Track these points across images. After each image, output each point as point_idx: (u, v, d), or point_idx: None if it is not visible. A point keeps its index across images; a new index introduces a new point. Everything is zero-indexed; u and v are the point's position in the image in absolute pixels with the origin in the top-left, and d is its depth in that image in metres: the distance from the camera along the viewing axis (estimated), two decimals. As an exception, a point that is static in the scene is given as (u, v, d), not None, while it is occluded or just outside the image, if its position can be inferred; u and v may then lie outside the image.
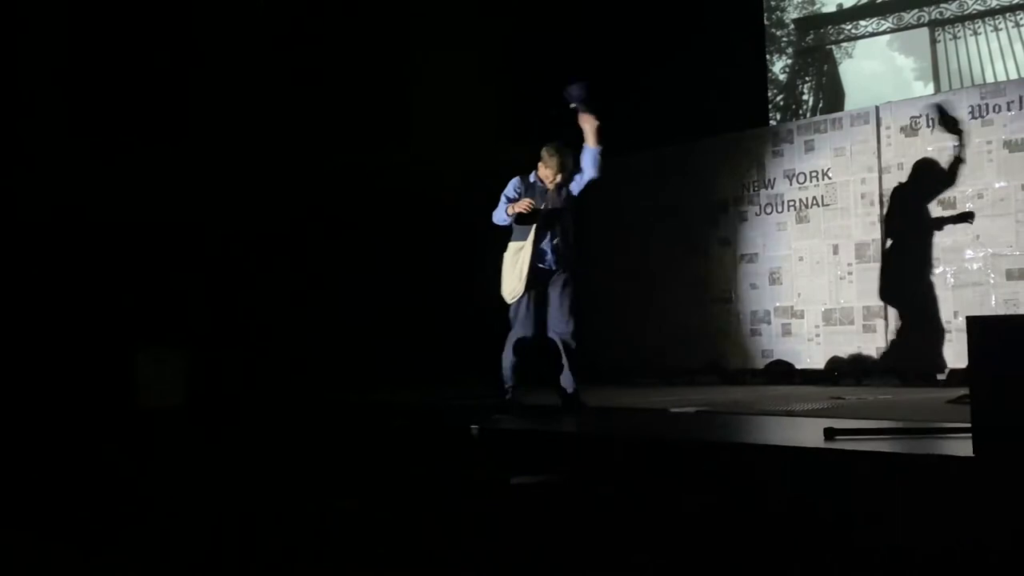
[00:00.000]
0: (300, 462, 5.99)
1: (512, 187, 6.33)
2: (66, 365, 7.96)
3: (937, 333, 7.51)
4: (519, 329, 6.19)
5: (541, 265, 6.17)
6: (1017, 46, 8.71)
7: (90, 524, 4.99)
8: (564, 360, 6.22)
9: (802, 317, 8.37)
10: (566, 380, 6.26)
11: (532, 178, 6.31)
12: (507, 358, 6.22)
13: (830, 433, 4.27)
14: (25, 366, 7.85)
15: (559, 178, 6.20)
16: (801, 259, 8.39)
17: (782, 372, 8.42)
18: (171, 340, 8.18)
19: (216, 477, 5.93)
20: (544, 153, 6.24)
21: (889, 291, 7.78)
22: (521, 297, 6.14)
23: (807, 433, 4.65)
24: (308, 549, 4.27)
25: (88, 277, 8.34)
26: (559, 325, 6.19)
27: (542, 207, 6.16)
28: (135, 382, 7.82)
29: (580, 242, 6.44)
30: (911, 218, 7.68)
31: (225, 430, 7.07)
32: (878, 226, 7.92)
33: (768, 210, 8.62)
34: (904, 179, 7.74)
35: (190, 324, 8.62)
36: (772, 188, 8.61)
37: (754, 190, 8.72)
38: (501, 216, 6.25)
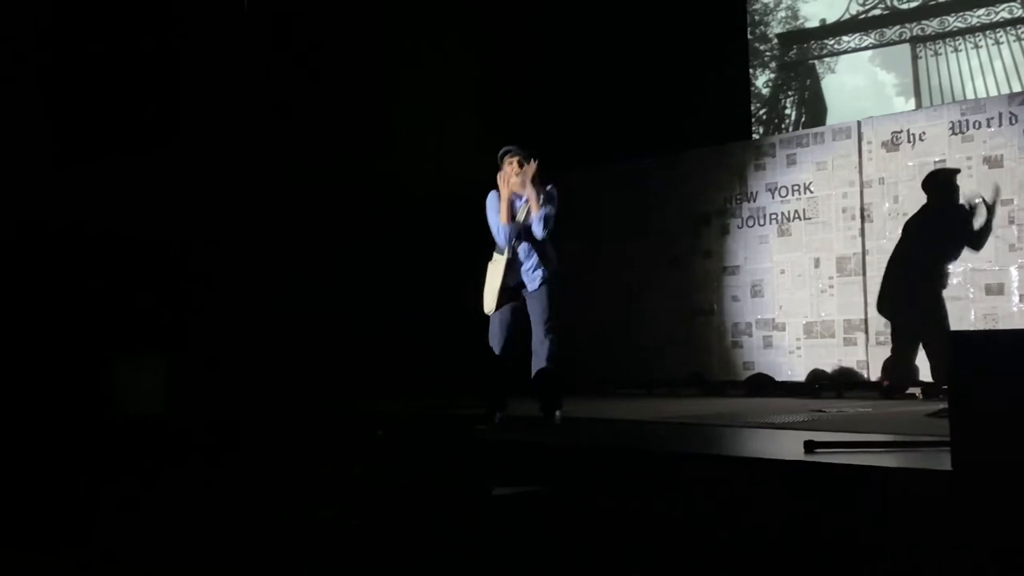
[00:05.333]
0: (280, 471, 5.96)
1: (491, 203, 6.25)
2: (44, 373, 7.90)
3: (916, 347, 7.56)
4: (493, 343, 6.18)
5: (520, 279, 6.14)
6: (997, 63, 8.79)
7: (65, 532, 4.96)
8: (541, 375, 6.15)
9: (783, 330, 8.40)
10: (543, 394, 6.22)
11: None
12: (490, 371, 6.23)
13: (810, 446, 4.28)
14: (2, 374, 7.79)
15: (524, 179, 6.07)
16: (783, 272, 8.43)
17: (763, 384, 8.44)
18: (151, 347, 8.14)
19: (195, 485, 5.90)
20: (501, 162, 6.16)
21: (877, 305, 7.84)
22: (496, 312, 6.13)
23: (787, 446, 4.67)
24: (286, 558, 4.25)
25: (67, 284, 8.28)
26: (535, 338, 6.15)
27: (518, 221, 6.14)
28: (114, 390, 7.77)
29: (559, 253, 6.36)
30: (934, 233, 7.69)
31: (205, 438, 7.03)
32: (859, 240, 7.97)
33: (750, 223, 8.65)
34: (887, 193, 7.80)
35: (170, 331, 8.57)
36: (754, 201, 8.64)
37: (736, 203, 8.75)
38: (499, 235, 6.18)
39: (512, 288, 6.13)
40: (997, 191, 7.19)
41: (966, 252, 7.35)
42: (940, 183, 7.50)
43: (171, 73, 9.11)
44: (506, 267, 6.09)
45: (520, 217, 6.16)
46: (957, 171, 7.45)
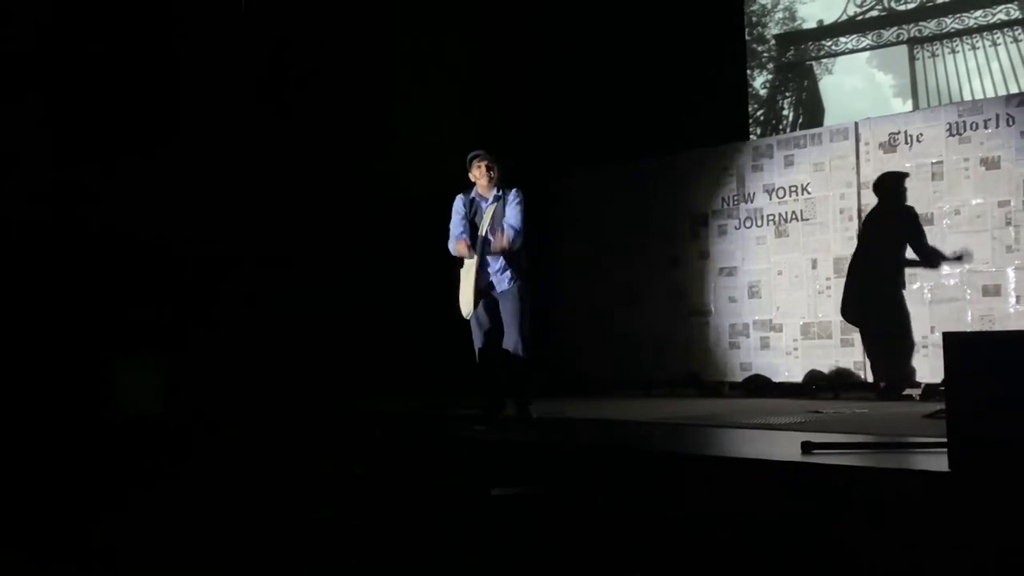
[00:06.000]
0: (280, 471, 5.98)
1: (457, 207, 6.41)
2: (45, 373, 7.90)
3: (914, 348, 7.59)
4: (477, 343, 6.30)
5: (490, 280, 6.26)
6: (994, 64, 8.82)
7: (65, 532, 4.97)
8: (513, 374, 6.27)
9: (781, 331, 8.42)
10: (515, 393, 6.32)
11: (472, 194, 6.41)
12: (480, 372, 6.33)
13: (807, 447, 4.30)
14: (2, 374, 7.79)
15: (493, 184, 6.30)
16: (780, 273, 8.45)
17: (760, 385, 8.46)
18: (150, 347, 8.15)
19: (195, 485, 5.91)
20: (470, 165, 6.35)
21: (863, 306, 7.89)
22: (474, 312, 6.25)
23: (785, 447, 4.68)
24: (286, 558, 4.26)
25: (67, 284, 8.28)
26: (509, 340, 6.24)
27: (485, 226, 6.26)
28: (114, 390, 7.78)
29: (533, 252, 6.51)
30: (888, 234, 7.78)
31: (205, 438, 7.05)
32: (856, 241, 7.99)
33: (748, 224, 8.68)
34: (881, 195, 7.83)
35: (169, 331, 8.58)
36: (752, 202, 8.67)
37: (734, 204, 8.77)
38: (452, 248, 6.37)
39: (484, 289, 6.25)
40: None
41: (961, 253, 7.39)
42: (890, 186, 7.71)
43: (171, 73, 9.11)
44: (477, 269, 6.23)
45: (487, 220, 6.28)
46: (906, 174, 7.63)
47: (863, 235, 7.90)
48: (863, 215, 7.95)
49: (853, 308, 7.91)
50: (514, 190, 6.32)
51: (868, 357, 7.84)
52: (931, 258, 7.51)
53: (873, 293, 7.81)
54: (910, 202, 7.67)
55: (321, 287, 9.36)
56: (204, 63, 9.32)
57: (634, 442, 5.36)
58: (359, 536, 4.60)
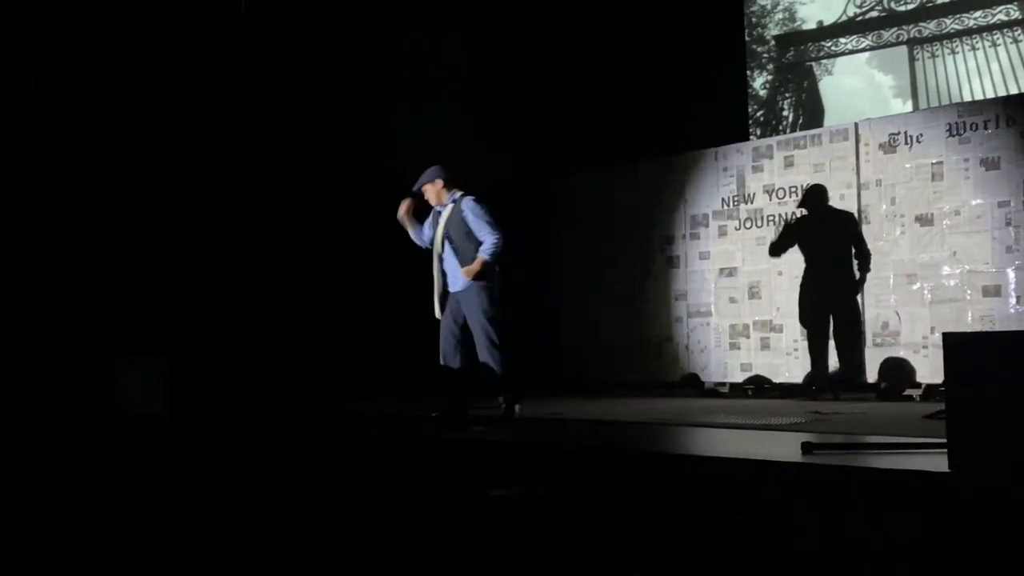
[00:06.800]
0: (280, 470, 5.98)
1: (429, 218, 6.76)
2: (44, 372, 7.90)
3: (914, 348, 7.61)
4: (441, 343, 6.57)
5: (448, 283, 6.53)
6: (994, 65, 8.82)
7: (66, 532, 4.97)
8: (490, 373, 6.45)
9: (781, 331, 8.42)
10: (499, 391, 6.51)
11: (436, 207, 6.73)
12: (439, 371, 6.61)
13: (808, 447, 4.30)
14: (2, 374, 7.79)
15: (436, 196, 6.64)
16: (780, 273, 8.45)
17: (760, 386, 8.47)
18: (150, 347, 8.15)
19: (195, 485, 5.91)
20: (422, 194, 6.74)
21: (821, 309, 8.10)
22: (442, 314, 6.54)
23: (785, 447, 4.68)
24: (286, 558, 4.26)
25: (67, 284, 8.28)
26: (478, 340, 6.44)
27: (440, 232, 6.54)
28: (114, 390, 7.78)
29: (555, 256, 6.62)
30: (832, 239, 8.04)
31: (205, 438, 7.05)
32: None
33: (748, 224, 8.68)
34: (884, 195, 7.84)
35: (169, 331, 8.58)
36: (752, 203, 8.67)
37: (734, 204, 8.78)
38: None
39: (445, 292, 6.56)
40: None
41: (963, 254, 7.39)
42: (819, 196, 8.10)
43: (171, 73, 9.12)
44: (440, 272, 6.56)
45: (441, 226, 6.54)
46: (820, 184, 8.13)
47: (807, 243, 8.20)
48: (864, 215, 7.96)
49: (809, 312, 8.15)
50: (469, 198, 6.53)
51: (818, 356, 8.08)
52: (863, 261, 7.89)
53: (829, 296, 8.05)
54: (909, 202, 7.69)
55: (321, 287, 9.36)
56: (204, 63, 9.32)
57: (634, 442, 5.36)
58: (359, 536, 4.60)
